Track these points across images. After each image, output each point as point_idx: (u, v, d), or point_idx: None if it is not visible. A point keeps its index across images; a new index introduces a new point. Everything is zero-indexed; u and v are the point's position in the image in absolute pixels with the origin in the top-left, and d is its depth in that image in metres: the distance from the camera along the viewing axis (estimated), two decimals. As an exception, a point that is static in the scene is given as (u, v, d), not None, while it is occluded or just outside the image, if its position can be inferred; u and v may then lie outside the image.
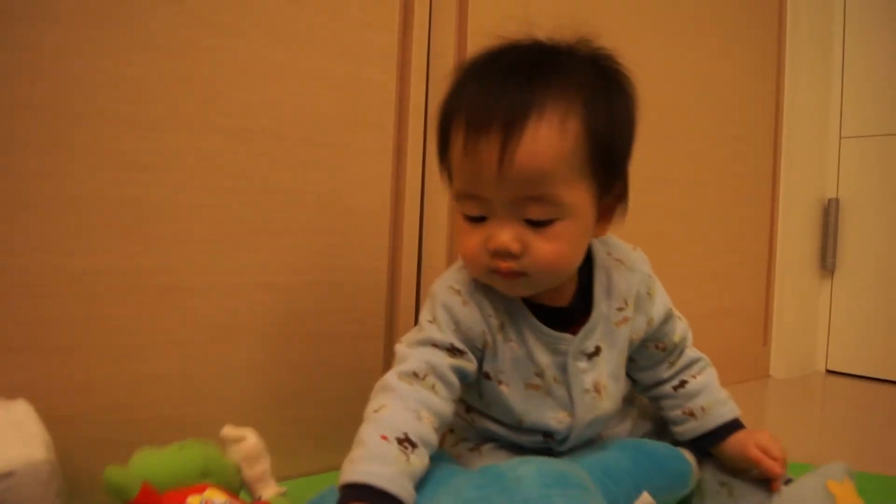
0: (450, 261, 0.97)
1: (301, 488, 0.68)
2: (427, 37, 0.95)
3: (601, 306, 0.70)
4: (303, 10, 0.83)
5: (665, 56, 1.32)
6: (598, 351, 0.69)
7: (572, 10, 1.12)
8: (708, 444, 0.73)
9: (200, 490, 0.59)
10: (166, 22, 0.73)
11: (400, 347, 0.66)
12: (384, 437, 0.56)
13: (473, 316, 0.66)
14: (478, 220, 0.63)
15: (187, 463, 0.61)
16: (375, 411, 0.58)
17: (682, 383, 0.75)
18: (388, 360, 0.92)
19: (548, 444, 0.71)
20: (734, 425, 0.73)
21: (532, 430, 0.70)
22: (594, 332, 0.69)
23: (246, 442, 0.64)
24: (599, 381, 0.70)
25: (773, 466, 0.68)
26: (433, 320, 0.66)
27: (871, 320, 1.63)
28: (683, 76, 1.37)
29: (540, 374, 0.68)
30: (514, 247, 0.61)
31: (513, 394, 0.68)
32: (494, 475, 0.52)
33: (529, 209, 0.60)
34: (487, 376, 0.68)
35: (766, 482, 0.70)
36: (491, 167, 0.59)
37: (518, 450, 0.71)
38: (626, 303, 0.71)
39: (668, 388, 0.76)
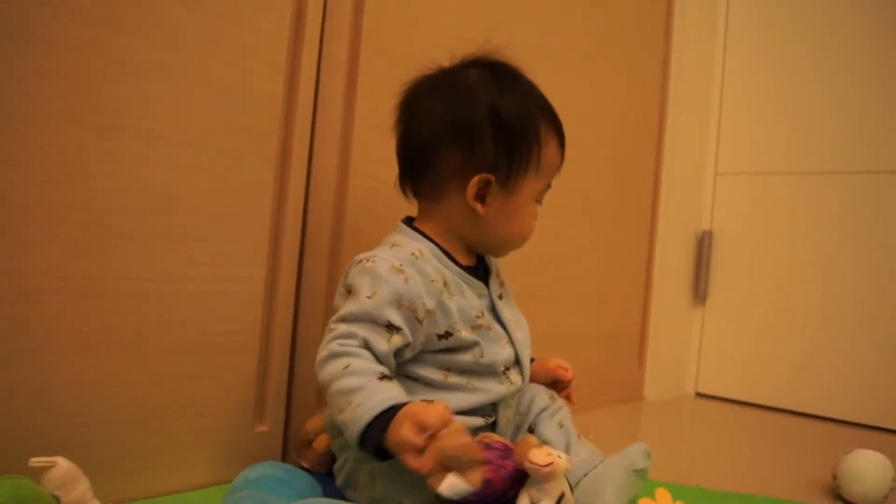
0: (331, 274, 0.96)
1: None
2: (319, 46, 0.94)
3: (492, 269, 0.88)
4: (191, 11, 0.80)
5: (555, 88, 1.36)
6: (501, 296, 0.87)
7: (468, 32, 1.14)
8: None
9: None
10: (35, 10, 0.68)
11: (339, 325, 0.71)
12: (370, 381, 0.66)
13: (416, 289, 0.73)
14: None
15: (-1, 498, 0.58)
16: (345, 367, 0.67)
17: None
18: (262, 373, 0.89)
19: (509, 382, 0.82)
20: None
21: (494, 369, 0.81)
22: (495, 283, 0.87)
23: (57, 468, 0.62)
24: (510, 316, 0.86)
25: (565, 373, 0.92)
26: (372, 296, 0.72)
27: (738, 347, 1.73)
28: (573, 109, 1.41)
29: (479, 316, 0.80)
30: None
31: (468, 336, 0.78)
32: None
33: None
34: (449, 333, 0.76)
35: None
36: (559, 165, 0.86)
37: None
38: (498, 273, 0.90)
39: None
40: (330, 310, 0.95)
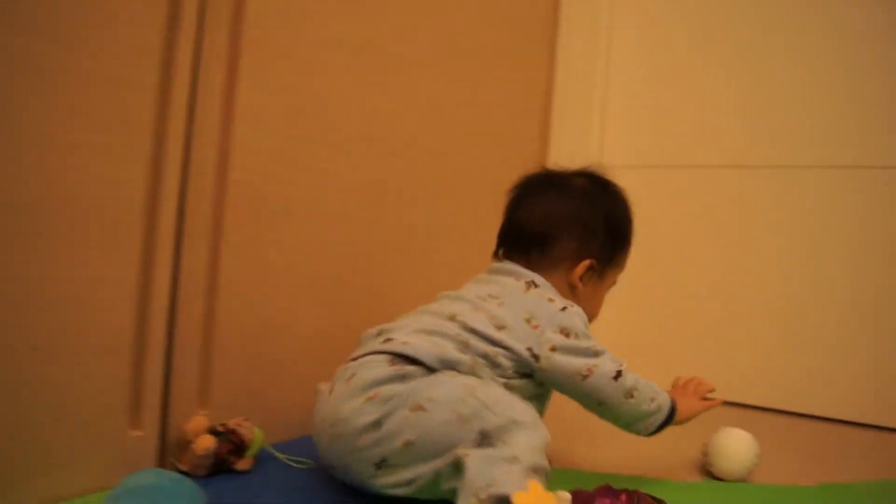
0: (212, 272, 0.94)
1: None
2: (197, 37, 0.91)
3: None
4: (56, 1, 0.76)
5: (440, 82, 1.37)
6: None
7: (354, 27, 1.13)
8: None
9: None
10: None
11: (605, 351, 0.91)
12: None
13: None
14: None
15: None
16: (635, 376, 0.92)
17: None
18: (135, 376, 0.85)
19: None
20: None
21: None
22: None
23: None
24: None
25: None
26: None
27: (625, 334, 1.79)
28: (459, 102, 1.43)
29: None
30: None
31: None
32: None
33: None
34: None
35: None
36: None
37: None
38: None
39: None
40: (210, 307, 0.94)
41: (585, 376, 0.88)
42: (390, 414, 0.76)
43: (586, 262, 0.96)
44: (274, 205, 1.03)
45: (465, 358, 0.82)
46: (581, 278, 0.97)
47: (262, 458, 0.93)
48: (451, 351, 0.82)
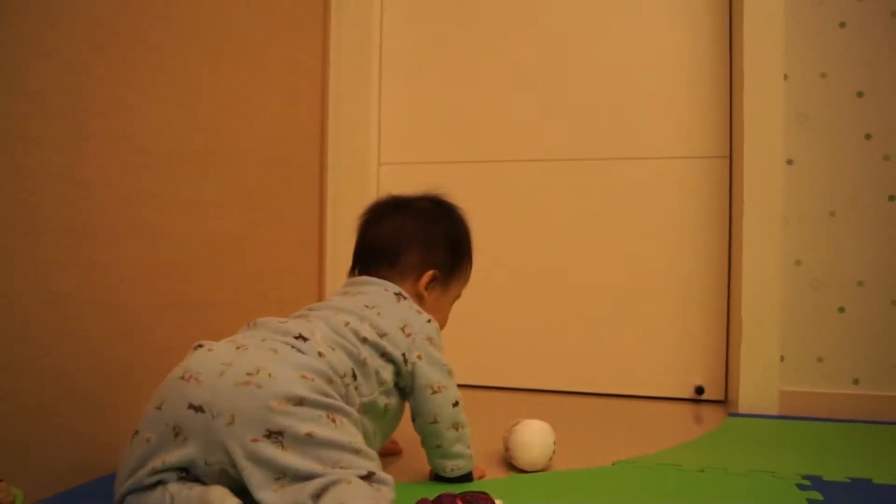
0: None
1: None
2: None
3: None
4: None
5: (213, 78, 1.26)
6: None
7: (100, 15, 0.99)
8: None
9: None
10: None
11: (461, 400, 0.99)
12: None
13: None
14: None
15: None
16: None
17: None
18: None
19: None
20: None
21: None
22: None
23: None
24: None
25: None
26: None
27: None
28: (231, 99, 1.33)
29: None
30: None
31: None
32: None
33: None
34: None
35: None
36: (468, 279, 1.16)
37: None
38: None
39: None
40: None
41: (435, 392, 0.95)
42: (315, 402, 0.76)
43: (430, 273, 1.05)
44: (20, 221, 0.87)
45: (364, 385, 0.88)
46: (426, 287, 1.06)
47: (26, 523, 0.79)
48: (351, 379, 0.86)
